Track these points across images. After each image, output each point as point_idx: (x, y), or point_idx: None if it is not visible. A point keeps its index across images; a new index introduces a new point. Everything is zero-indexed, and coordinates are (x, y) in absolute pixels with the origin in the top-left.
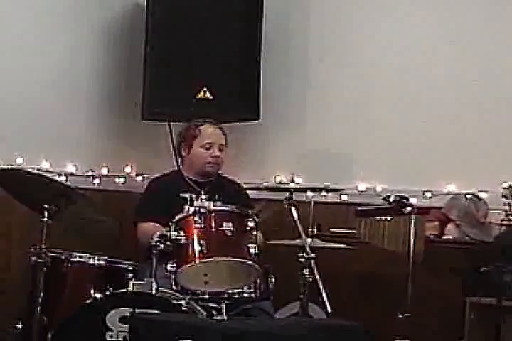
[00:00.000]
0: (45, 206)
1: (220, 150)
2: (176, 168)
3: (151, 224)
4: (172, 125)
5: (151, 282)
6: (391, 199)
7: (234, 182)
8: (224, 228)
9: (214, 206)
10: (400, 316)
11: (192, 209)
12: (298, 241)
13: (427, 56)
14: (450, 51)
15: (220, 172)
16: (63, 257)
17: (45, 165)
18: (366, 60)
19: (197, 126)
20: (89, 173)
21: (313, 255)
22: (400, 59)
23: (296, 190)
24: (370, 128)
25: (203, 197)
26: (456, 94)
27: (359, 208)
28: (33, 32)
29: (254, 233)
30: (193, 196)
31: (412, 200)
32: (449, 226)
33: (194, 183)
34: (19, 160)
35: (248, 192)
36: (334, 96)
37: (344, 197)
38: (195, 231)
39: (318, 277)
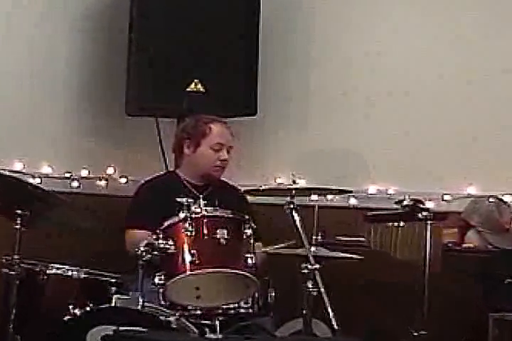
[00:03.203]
0: (18, 211)
1: (228, 152)
2: (172, 169)
3: (141, 231)
4: (160, 121)
5: (137, 296)
6: (405, 203)
7: (235, 188)
8: (218, 235)
9: (206, 211)
10: (415, 333)
11: (182, 214)
12: (300, 250)
13: (440, 49)
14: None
15: None
16: (39, 269)
17: (18, 166)
18: (375, 50)
19: (206, 123)
20: (67, 175)
21: (317, 265)
22: (414, 47)
23: (299, 192)
24: (381, 124)
25: (202, 202)
26: (481, 91)
27: (369, 213)
28: (4, 20)
29: (252, 241)
30: (190, 201)
31: (429, 204)
32: (470, 233)
33: (192, 187)
34: None
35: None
36: (340, 90)
37: (352, 201)
38: (185, 239)
39: (323, 290)
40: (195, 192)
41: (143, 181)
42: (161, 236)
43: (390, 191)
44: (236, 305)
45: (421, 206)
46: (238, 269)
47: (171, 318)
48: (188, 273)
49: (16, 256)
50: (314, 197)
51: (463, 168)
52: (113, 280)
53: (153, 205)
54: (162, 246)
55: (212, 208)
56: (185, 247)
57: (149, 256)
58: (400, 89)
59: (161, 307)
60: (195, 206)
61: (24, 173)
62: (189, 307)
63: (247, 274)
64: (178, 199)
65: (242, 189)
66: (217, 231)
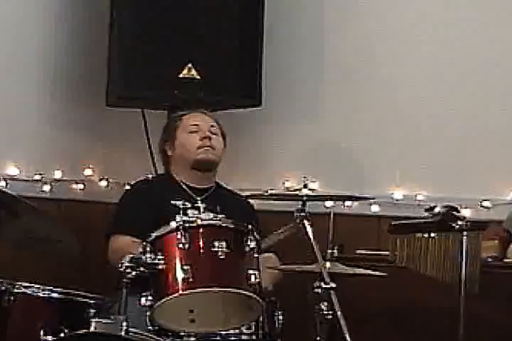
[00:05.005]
0: None
1: (212, 132)
2: (162, 172)
3: (129, 238)
4: (147, 113)
5: (120, 320)
6: (436, 211)
7: (238, 194)
8: (215, 248)
9: (201, 219)
10: None
11: (173, 224)
12: (314, 266)
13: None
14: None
15: (217, 180)
16: (4, 288)
17: None
18: (393, 30)
19: (179, 116)
20: (37, 177)
21: (333, 284)
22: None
23: (311, 198)
24: (406, 118)
25: (201, 205)
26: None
27: (394, 222)
28: None
29: (256, 255)
30: (187, 204)
31: (465, 212)
32: None
33: (189, 189)
34: None
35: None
36: (357, 78)
37: (374, 208)
38: (177, 252)
39: (339, 313)
40: (192, 194)
41: (132, 182)
42: (148, 249)
43: (419, 197)
44: (237, 330)
45: (456, 214)
46: (240, 288)
47: None
48: (180, 292)
49: None
50: (330, 203)
51: (504, 170)
52: (92, 301)
53: (145, 209)
54: (150, 261)
55: (209, 216)
56: (177, 262)
57: (135, 272)
58: (439, 73)
59: (149, 333)
60: (193, 210)
61: None
62: (181, 333)
63: (250, 294)
64: (173, 202)
65: (244, 193)
66: (215, 243)
